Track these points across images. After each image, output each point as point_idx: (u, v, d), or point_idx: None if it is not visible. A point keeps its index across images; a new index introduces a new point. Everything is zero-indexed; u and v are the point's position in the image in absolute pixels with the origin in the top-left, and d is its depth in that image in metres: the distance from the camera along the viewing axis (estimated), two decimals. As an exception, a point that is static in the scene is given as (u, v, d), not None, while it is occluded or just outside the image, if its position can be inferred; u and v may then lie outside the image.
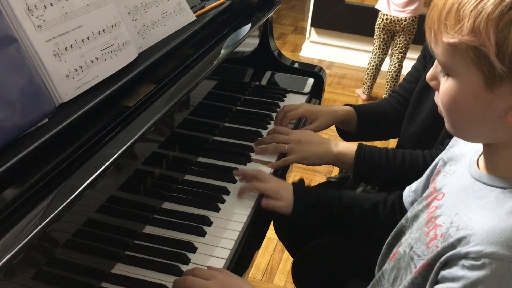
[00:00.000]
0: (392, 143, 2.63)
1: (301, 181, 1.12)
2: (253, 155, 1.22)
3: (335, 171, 2.51)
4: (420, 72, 1.30)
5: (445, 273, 0.65)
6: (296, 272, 1.36)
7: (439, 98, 0.67)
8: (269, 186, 1.07)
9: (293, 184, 1.08)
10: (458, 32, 0.59)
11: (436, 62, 0.68)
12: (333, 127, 1.44)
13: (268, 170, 1.19)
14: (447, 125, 0.70)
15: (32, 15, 0.75)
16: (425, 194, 0.82)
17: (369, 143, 1.22)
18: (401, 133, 1.32)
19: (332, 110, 1.37)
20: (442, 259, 0.65)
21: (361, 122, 1.37)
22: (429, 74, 0.69)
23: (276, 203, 1.06)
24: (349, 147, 1.19)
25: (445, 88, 0.65)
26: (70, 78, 0.79)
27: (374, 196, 1.06)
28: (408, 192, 0.98)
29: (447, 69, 0.64)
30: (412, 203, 0.93)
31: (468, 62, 0.60)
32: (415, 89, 1.27)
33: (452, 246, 0.64)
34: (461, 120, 0.66)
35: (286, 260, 2.00)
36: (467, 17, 0.58)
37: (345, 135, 1.44)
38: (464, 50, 0.60)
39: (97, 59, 0.85)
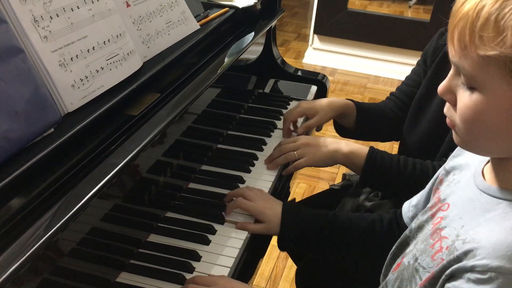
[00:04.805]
0: (395, 149, 2.63)
1: (293, 201, 1.11)
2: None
3: (338, 179, 2.51)
4: (419, 76, 1.29)
5: (450, 285, 0.64)
6: (300, 280, 1.35)
7: (458, 113, 0.64)
8: (254, 205, 1.02)
9: (284, 204, 1.03)
10: (500, 44, 0.57)
11: (451, 74, 0.66)
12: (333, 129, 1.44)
13: (272, 175, 1.19)
14: (459, 139, 0.68)
15: (38, 26, 0.76)
16: (429, 205, 0.81)
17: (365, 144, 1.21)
18: (403, 140, 1.31)
19: (330, 101, 1.36)
20: (448, 272, 0.65)
21: (360, 117, 1.36)
22: (442, 87, 0.67)
23: (255, 227, 1.01)
24: (361, 148, 1.17)
25: (469, 103, 0.62)
26: (76, 88, 0.80)
27: (368, 215, 1.03)
28: (408, 207, 0.96)
29: (475, 83, 0.61)
30: (413, 218, 0.92)
31: (505, 75, 0.58)
32: (416, 96, 1.27)
33: (458, 259, 0.64)
34: (484, 135, 0.63)
35: (290, 268, 2.00)
36: (510, 29, 0.56)
37: (343, 131, 1.42)
38: (502, 63, 0.57)
39: (102, 68, 0.85)
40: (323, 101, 1.37)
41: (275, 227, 1.00)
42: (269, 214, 1.01)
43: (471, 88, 0.62)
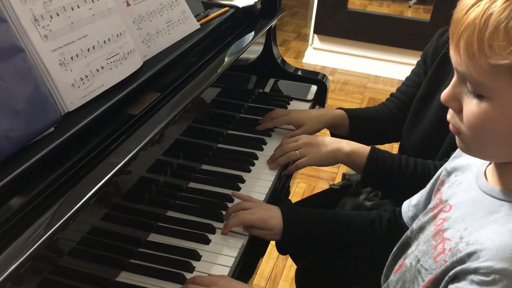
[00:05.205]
0: (395, 149, 2.63)
1: (288, 202, 1.11)
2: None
3: (338, 178, 2.51)
4: (420, 77, 1.29)
5: (453, 287, 0.64)
6: (300, 279, 1.36)
7: (465, 120, 0.64)
8: (257, 216, 1.00)
9: (281, 208, 1.02)
10: None
11: (454, 82, 0.65)
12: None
13: (272, 174, 1.20)
14: (465, 145, 0.67)
15: (38, 25, 0.76)
16: (430, 206, 0.81)
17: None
18: (402, 141, 1.31)
19: (318, 114, 1.37)
20: (451, 273, 0.65)
21: (353, 126, 1.35)
22: (446, 95, 0.66)
23: (266, 234, 1.00)
24: (362, 148, 1.17)
25: (477, 111, 0.62)
26: (76, 87, 0.80)
27: (367, 214, 1.03)
28: (408, 207, 0.96)
29: (484, 91, 0.60)
30: (413, 218, 0.92)
31: None
32: (416, 96, 1.27)
33: (462, 260, 0.64)
34: (491, 142, 0.63)
35: (290, 267, 2.00)
36: None
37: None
38: None
39: (103, 68, 0.85)
40: (312, 113, 1.38)
41: (279, 232, 1.00)
42: (273, 223, 1.00)
43: (479, 96, 0.61)
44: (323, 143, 1.21)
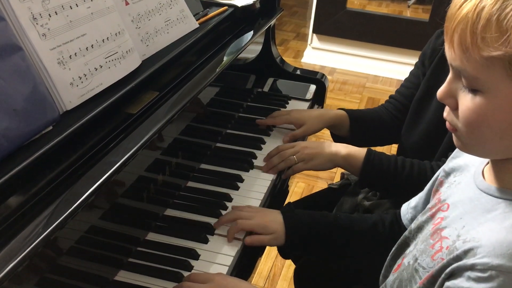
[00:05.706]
0: (393, 150, 2.62)
1: (289, 205, 1.10)
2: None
3: (336, 178, 2.51)
4: (418, 78, 1.29)
5: (449, 284, 0.64)
6: (299, 279, 1.36)
7: (461, 116, 0.64)
8: (255, 222, 0.99)
9: (282, 211, 1.01)
10: (504, 44, 0.56)
11: (450, 78, 0.65)
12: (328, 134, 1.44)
13: (270, 177, 1.20)
14: (461, 143, 0.67)
15: (37, 23, 0.76)
16: (429, 206, 0.81)
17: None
18: (401, 142, 1.31)
19: (319, 114, 1.37)
20: (447, 270, 0.65)
21: (354, 126, 1.36)
22: (442, 92, 0.66)
23: (265, 238, 0.98)
24: (359, 150, 1.18)
25: (472, 106, 0.62)
26: (74, 86, 0.80)
27: (369, 217, 1.03)
28: (407, 209, 0.96)
29: (478, 85, 0.60)
30: (412, 220, 0.92)
31: (509, 75, 0.58)
32: (415, 97, 1.27)
33: (458, 258, 0.64)
34: (488, 137, 0.63)
35: (289, 267, 2.00)
36: None
37: (339, 141, 1.41)
38: (507, 62, 0.57)
39: (101, 66, 0.85)
40: (313, 112, 1.38)
41: (281, 237, 0.98)
42: (273, 227, 0.99)
43: (473, 91, 0.62)
44: (320, 147, 1.21)
